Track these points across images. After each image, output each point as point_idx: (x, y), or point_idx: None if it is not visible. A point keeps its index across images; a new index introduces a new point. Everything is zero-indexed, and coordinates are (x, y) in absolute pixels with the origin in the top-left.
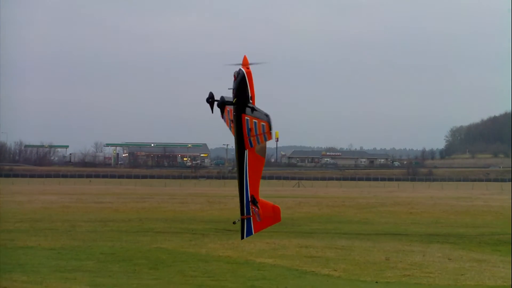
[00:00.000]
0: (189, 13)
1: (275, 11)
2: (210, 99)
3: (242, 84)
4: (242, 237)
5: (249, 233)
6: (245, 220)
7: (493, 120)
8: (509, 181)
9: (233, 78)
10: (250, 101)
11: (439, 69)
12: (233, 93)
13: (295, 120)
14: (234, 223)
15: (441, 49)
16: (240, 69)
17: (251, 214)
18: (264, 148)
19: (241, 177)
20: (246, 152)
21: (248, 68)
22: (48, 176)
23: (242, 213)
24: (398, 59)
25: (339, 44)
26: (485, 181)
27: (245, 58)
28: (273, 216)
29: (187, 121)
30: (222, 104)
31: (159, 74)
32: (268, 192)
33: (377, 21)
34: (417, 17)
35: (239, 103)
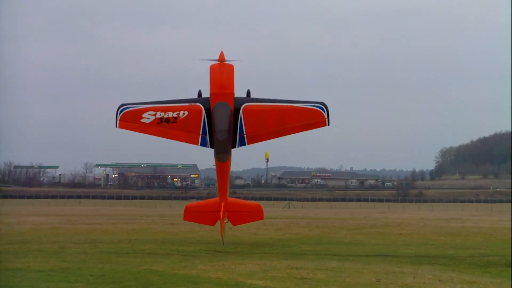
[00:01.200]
0: (181, 29)
1: (267, 26)
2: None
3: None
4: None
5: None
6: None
7: (483, 141)
8: (499, 202)
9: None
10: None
11: (430, 89)
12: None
13: (285, 140)
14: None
15: (432, 68)
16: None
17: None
18: (224, 157)
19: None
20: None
21: (215, 64)
22: (37, 197)
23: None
24: (388, 79)
25: (330, 61)
26: (475, 202)
27: (221, 54)
28: (255, 212)
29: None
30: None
31: (150, 92)
32: None
33: (367, 39)
34: (407, 36)
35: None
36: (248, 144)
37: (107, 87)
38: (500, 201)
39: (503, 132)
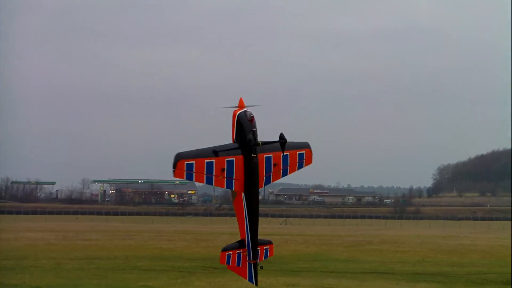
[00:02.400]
0: (185, 48)
1: (268, 45)
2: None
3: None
4: (257, 283)
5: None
6: (252, 266)
7: (480, 159)
8: (496, 219)
9: (231, 118)
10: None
11: (427, 106)
12: (241, 135)
13: None
14: (261, 267)
15: (430, 86)
16: (250, 111)
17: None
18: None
19: (251, 219)
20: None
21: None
22: (34, 212)
23: (250, 257)
24: (386, 96)
25: (330, 78)
26: (473, 219)
27: (241, 101)
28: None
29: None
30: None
31: (145, 110)
32: None
33: (366, 57)
34: (405, 54)
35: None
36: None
37: (105, 103)
38: (498, 219)
39: (500, 149)
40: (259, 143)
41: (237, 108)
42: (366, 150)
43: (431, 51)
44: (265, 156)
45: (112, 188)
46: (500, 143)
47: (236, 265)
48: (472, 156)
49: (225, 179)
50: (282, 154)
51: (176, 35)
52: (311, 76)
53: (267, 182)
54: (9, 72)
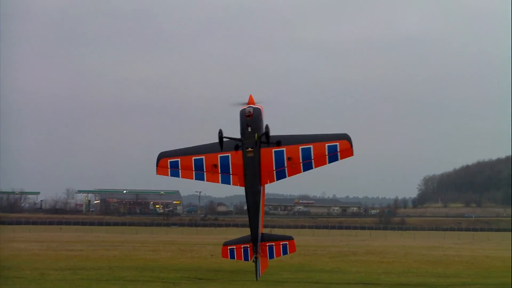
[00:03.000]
0: (174, 59)
1: (257, 55)
2: (221, 137)
3: (259, 120)
4: (257, 278)
5: (259, 272)
6: (257, 260)
7: (465, 169)
8: (481, 230)
9: (239, 117)
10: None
11: (413, 117)
12: (244, 129)
13: None
14: (253, 261)
15: (415, 98)
16: (250, 107)
17: (260, 253)
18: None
19: (256, 214)
20: (261, 188)
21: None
22: (18, 223)
23: (256, 251)
24: (371, 107)
25: (314, 89)
26: (457, 230)
27: (250, 97)
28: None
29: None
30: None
31: (129, 120)
32: None
33: (351, 68)
34: (391, 64)
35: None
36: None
37: (90, 112)
38: (482, 230)
39: (486, 160)
40: (258, 137)
41: (245, 105)
42: (351, 161)
43: (418, 62)
44: (273, 150)
45: (97, 198)
46: (485, 154)
47: (243, 259)
48: (457, 166)
49: (219, 174)
50: (300, 147)
51: (169, 44)
52: (297, 86)
53: (281, 176)
54: None
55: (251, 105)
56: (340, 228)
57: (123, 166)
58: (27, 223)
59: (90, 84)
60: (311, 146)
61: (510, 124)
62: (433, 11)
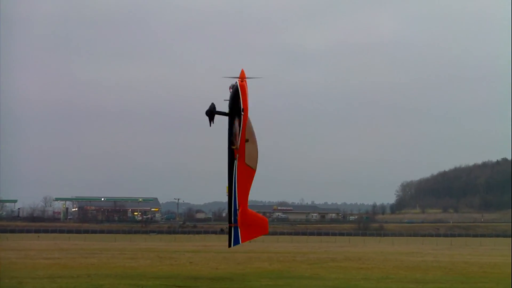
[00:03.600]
0: (151, 64)
1: (233, 60)
2: (210, 112)
3: (235, 95)
4: (230, 246)
5: (236, 242)
6: (233, 229)
7: (443, 175)
8: (459, 236)
9: (228, 90)
10: (242, 112)
11: (390, 123)
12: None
13: None
14: (221, 230)
15: (392, 103)
16: (236, 82)
17: (237, 223)
18: (255, 160)
19: (230, 185)
20: (236, 162)
21: (242, 81)
22: None
23: (229, 221)
24: (348, 113)
25: (292, 94)
26: (435, 236)
27: (242, 72)
28: (261, 227)
29: (138, 174)
30: (212, 113)
31: (109, 126)
32: (219, 247)
33: (327, 73)
34: (367, 70)
35: (233, 113)
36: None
37: (66, 118)
38: (460, 235)
39: (462, 166)
40: (219, 112)
41: (238, 79)
42: (330, 167)
43: (394, 66)
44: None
45: (74, 206)
46: (462, 160)
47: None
48: (435, 172)
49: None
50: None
51: (146, 50)
52: (275, 92)
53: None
54: None
55: (237, 81)
56: (319, 234)
57: (102, 173)
58: (4, 231)
59: (67, 90)
60: None
61: (487, 129)
62: (414, 16)
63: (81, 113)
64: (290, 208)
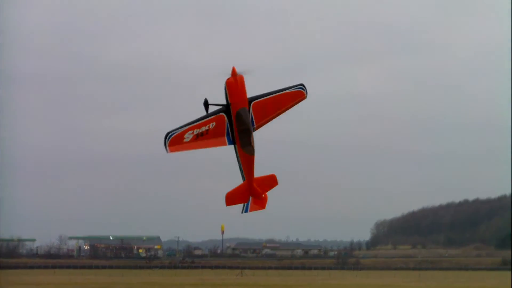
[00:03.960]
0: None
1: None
2: (205, 103)
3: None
4: (242, 212)
5: (246, 211)
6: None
7: (412, 215)
8: (426, 269)
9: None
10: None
11: (366, 167)
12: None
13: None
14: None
15: (364, 148)
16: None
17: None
18: (251, 149)
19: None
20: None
21: (230, 78)
22: (16, 267)
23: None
24: (327, 159)
25: (275, 145)
26: (405, 269)
27: (233, 70)
28: (272, 181)
29: (142, 214)
30: (206, 103)
31: (113, 172)
32: (214, 280)
33: (310, 121)
34: (341, 116)
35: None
36: (256, 130)
37: (77, 165)
38: (427, 269)
39: (429, 206)
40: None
41: (230, 77)
42: (312, 206)
43: (366, 116)
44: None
45: (86, 244)
46: (429, 201)
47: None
48: (405, 212)
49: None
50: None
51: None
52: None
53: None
54: None
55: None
56: (303, 268)
57: (110, 213)
58: (24, 267)
59: (75, 139)
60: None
61: (449, 173)
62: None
63: (92, 161)
64: (277, 245)
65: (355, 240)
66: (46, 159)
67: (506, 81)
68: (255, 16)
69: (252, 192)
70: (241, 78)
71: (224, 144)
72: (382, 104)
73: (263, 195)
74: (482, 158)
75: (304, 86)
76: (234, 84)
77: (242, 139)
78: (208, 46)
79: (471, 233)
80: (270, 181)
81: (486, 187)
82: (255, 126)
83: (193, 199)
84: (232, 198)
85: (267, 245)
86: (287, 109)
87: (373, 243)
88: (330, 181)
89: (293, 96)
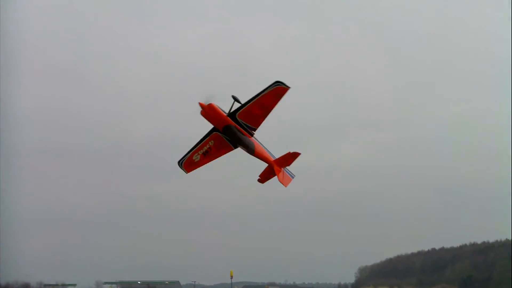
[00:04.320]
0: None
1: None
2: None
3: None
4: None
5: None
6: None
7: (389, 261)
8: None
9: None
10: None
11: (349, 221)
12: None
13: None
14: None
15: (349, 210)
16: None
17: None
18: (248, 150)
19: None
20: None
21: (202, 111)
22: None
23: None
24: (312, 211)
25: (265, 201)
26: None
27: (200, 105)
28: (292, 156)
29: (163, 259)
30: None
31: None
32: None
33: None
34: (321, 181)
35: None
36: (256, 128)
37: (107, 219)
38: None
39: (403, 254)
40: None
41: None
42: (306, 251)
43: (346, 180)
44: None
45: None
46: (402, 249)
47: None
48: (383, 259)
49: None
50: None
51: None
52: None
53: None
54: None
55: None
56: None
57: (135, 258)
58: None
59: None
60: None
61: (422, 226)
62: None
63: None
64: (277, 287)
65: (342, 282)
66: (81, 214)
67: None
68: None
69: (273, 168)
70: (210, 106)
71: (231, 149)
72: (358, 173)
73: (281, 170)
74: (444, 213)
75: (280, 82)
76: (206, 114)
77: (241, 147)
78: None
79: (438, 276)
80: (288, 157)
81: (450, 236)
82: (255, 128)
83: (205, 247)
84: (262, 177)
85: (269, 287)
86: (274, 105)
87: (357, 285)
88: (318, 232)
89: (275, 94)
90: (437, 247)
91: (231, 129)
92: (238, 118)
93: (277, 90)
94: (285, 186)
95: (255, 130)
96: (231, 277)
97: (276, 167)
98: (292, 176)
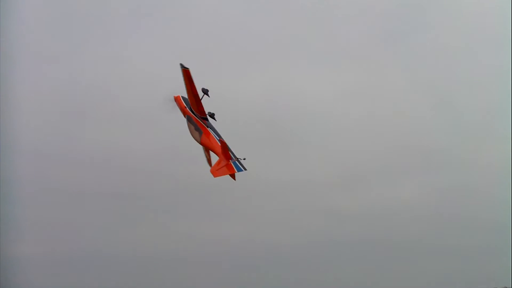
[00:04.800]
0: None
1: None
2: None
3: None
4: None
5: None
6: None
7: None
8: None
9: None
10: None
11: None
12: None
13: None
14: (244, 159)
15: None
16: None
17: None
18: (196, 138)
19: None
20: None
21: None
22: None
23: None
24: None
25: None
26: None
27: (174, 97)
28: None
29: None
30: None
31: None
32: None
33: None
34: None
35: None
36: (204, 116)
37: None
38: None
39: None
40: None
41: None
42: None
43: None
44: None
45: None
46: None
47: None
48: None
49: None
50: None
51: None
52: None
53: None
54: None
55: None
56: None
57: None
58: None
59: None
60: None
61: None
62: None
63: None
64: None
65: None
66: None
67: None
68: None
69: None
70: (175, 98)
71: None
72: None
73: (224, 160)
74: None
75: (180, 64)
76: (177, 105)
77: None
78: None
79: None
80: (223, 147)
81: None
82: (205, 118)
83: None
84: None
85: None
86: (193, 87)
87: None
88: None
89: (186, 77)
90: None
91: (188, 119)
92: (192, 110)
93: (184, 73)
94: (214, 176)
95: (206, 119)
96: None
97: (221, 157)
98: (240, 170)
